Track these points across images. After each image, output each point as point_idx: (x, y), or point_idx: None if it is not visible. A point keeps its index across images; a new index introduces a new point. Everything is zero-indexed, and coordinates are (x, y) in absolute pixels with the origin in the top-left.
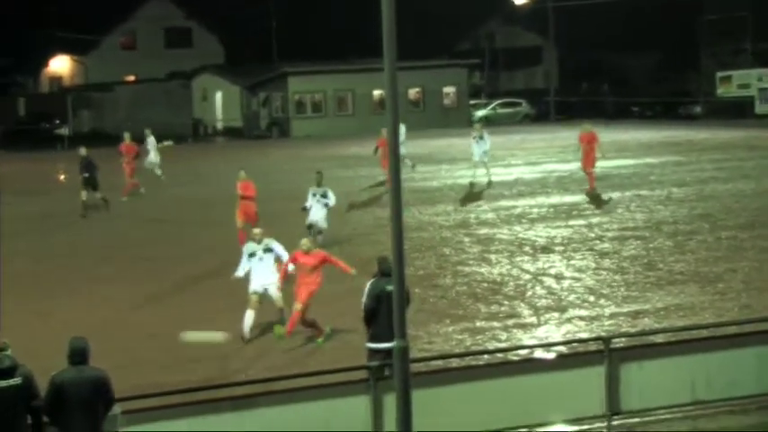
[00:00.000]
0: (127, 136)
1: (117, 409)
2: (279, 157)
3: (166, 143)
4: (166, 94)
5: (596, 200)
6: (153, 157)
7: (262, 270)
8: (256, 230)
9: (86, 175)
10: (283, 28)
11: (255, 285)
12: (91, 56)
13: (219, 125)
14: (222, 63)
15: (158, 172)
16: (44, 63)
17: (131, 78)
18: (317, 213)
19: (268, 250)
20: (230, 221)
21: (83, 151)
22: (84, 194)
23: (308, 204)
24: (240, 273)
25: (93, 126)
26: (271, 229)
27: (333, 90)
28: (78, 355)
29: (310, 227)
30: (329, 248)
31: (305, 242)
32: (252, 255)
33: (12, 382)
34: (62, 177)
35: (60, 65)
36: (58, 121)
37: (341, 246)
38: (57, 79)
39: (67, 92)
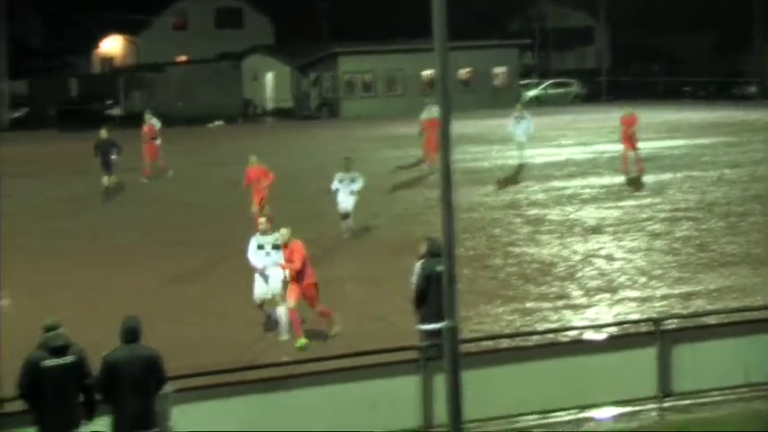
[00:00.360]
0: (148, 117)
1: (168, 387)
2: (327, 138)
3: (217, 123)
4: (217, 74)
5: (641, 181)
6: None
7: (268, 266)
8: (262, 220)
9: (101, 157)
10: (333, 8)
11: (262, 283)
12: (142, 36)
13: (270, 105)
14: (272, 43)
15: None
16: (95, 43)
17: (182, 59)
18: (345, 201)
19: (277, 246)
20: (272, 203)
21: (103, 134)
22: (105, 179)
23: (333, 188)
24: (255, 263)
25: (145, 106)
26: (310, 211)
27: (383, 70)
28: (131, 334)
29: (345, 216)
30: (379, 229)
31: (284, 232)
32: (260, 247)
33: (65, 360)
34: (112, 158)
35: (112, 45)
36: (109, 102)
37: (390, 227)
38: (108, 60)
39: (119, 72)
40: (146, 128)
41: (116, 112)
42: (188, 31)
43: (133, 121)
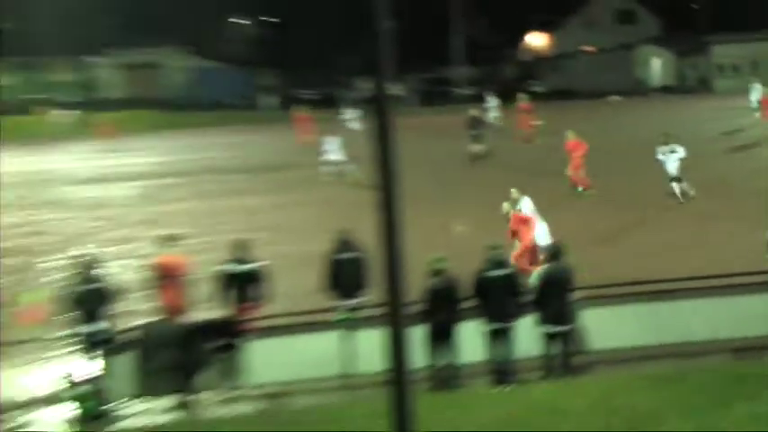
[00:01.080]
0: (522, 96)
1: (575, 295)
2: (699, 108)
3: (613, 98)
4: (615, 61)
5: None
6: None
7: None
8: (513, 190)
9: (474, 132)
10: (708, 6)
11: None
12: (559, 32)
13: (655, 84)
14: (659, 35)
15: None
16: (525, 38)
17: (588, 49)
18: (671, 166)
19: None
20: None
21: (474, 112)
22: (474, 148)
23: (660, 158)
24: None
25: (560, 85)
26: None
27: (748, 55)
28: (555, 254)
29: (675, 179)
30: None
31: (505, 205)
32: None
33: (503, 272)
34: (536, 123)
35: (536, 40)
36: (534, 81)
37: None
38: (534, 50)
39: (541, 60)
40: (522, 104)
41: (538, 89)
42: (593, 28)
43: (551, 95)
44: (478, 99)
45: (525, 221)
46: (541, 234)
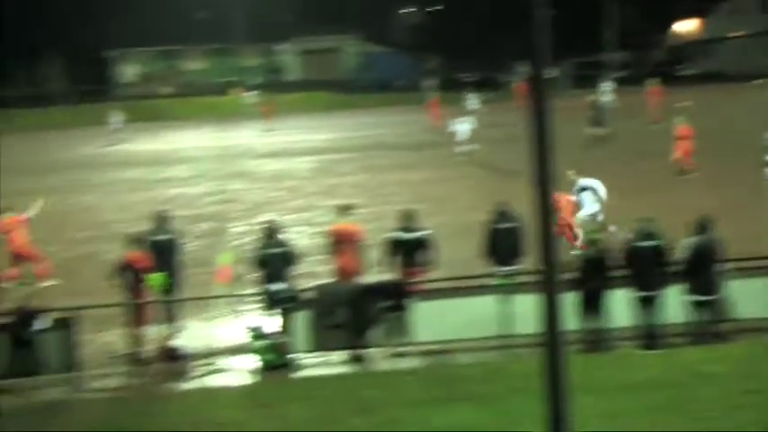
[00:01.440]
0: (653, 81)
1: (723, 266)
2: None
3: (760, 81)
4: (763, 46)
5: None
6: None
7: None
8: (570, 172)
9: (594, 115)
10: None
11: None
12: (709, 18)
13: None
14: None
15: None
16: (673, 24)
17: (737, 34)
18: None
19: (582, 189)
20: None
21: (594, 96)
22: (591, 130)
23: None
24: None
25: (709, 69)
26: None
27: None
28: (704, 227)
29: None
30: None
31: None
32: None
33: (651, 243)
34: (684, 104)
35: (685, 26)
36: (683, 65)
37: None
38: (683, 36)
39: (690, 45)
40: (652, 88)
41: (687, 72)
42: (741, 14)
43: (700, 78)
44: (628, 81)
45: (566, 200)
46: (584, 213)
